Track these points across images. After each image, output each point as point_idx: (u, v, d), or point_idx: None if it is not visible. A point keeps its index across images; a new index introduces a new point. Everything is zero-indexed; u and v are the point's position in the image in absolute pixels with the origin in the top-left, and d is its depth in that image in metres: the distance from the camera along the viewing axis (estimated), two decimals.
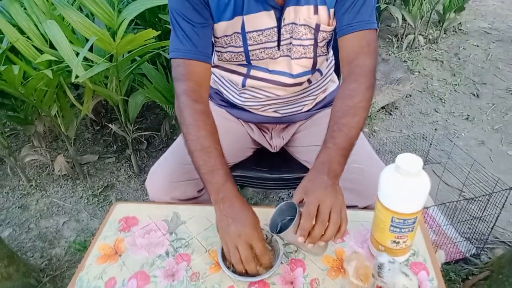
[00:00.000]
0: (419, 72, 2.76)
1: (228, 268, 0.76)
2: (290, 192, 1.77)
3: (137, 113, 1.69)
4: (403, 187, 0.65)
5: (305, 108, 1.08)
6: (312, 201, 0.69)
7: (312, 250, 0.72)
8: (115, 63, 1.39)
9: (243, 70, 0.97)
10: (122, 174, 1.86)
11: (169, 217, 0.92)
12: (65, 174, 1.84)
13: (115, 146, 2.00)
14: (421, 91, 2.52)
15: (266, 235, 0.81)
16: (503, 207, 1.27)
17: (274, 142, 1.11)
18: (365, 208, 0.94)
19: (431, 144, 1.72)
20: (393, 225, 0.70)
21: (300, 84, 0.98)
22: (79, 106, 1.54)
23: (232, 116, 1.10)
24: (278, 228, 0.75)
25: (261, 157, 1.16)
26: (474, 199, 1.32)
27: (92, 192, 1.76)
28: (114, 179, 1.83)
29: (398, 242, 0.73)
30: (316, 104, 1.09)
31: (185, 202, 0.99)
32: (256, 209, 0.80)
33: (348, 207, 0.94)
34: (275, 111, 1.05)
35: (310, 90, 1.04)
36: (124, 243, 0.86)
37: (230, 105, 1.09)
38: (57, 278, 1.38)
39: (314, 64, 0.95)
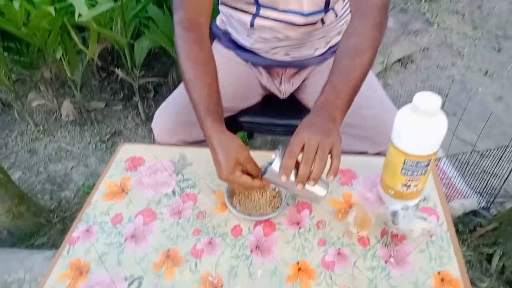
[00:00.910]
0: (438, 24, 2.61)
1: (234, 207, 0.76)
2: None
3: (144, 60, 1.64)
4: (419, 126, 0.62)
5: (318, 52, 1.02)
6: (296, 140, 0.64)
7: (304, 193, 0.68)
8: (119, 3, 1.33)
9: (252, 9, 0.91)
10: (130, 121, 1.85)
11: (175, 158, 0.91)
12: (73, 120, 1.84)
13: (122, 94, 1.98)
14: (439, 45, 2.41)
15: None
16: None
17: (284, 87, 1.07)
18: (376, 154, 0.92)
19: (446, 96, 1.66)
20: (405, 168, 0.68)
21: (313, 24, 0.92)
22: (84, 49, 1.50)
23: (241, 59, 1.05)
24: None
25: (269, 104, 1.12)
26: (489, 151, 1.28)
27: (100, 138, 1.76)
28: (122, 126, 1.82)
29: (409, 186, 0.71)
30: (330, 48, 1.04)
31: (192, 145, 0.97)
32: (258, 153, 0.79)
33: (358, 153, 0.93)
34: (285, 54, 1.00)
35: (323, 32, 0.98)
36: (131, 182, 0.86)
37: (238, 47, 1.04)
38: (66, 219, 1.42)
39: (327, 1, 0.89)
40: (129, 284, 0.68)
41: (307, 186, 0.64)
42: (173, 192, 0.83)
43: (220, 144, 0.71)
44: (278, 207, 0.77)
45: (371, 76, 1.04)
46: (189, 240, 0.74)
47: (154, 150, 0.94)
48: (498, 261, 1.20)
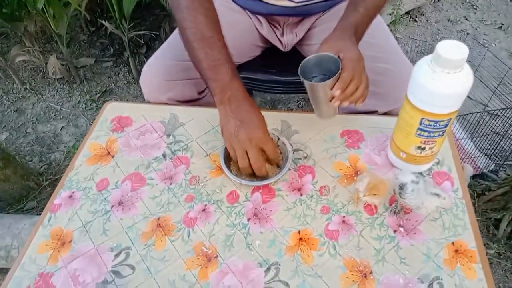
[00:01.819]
0: None
1: (230, 171, 0.69)
2: (299, 103, 1.67)
3: (135, 13, 1.52)
4: (441, 81, 0.54)
5: None
6: (352, 58, 0.64)
7: (329, 111, 0.70)
8: None
9: None
10: (121, 79, 1.75)
11: (166, 118, 0.83)
12: (61, 78, 1.73)
13: (112, 49, 1.85)
14: None
15: (274, 140, 0.73)
16: None
17: (286, 39, 0.97)
18: (385, 114, 0.84)
19: None
20: (421, 128, 0.60)
21: None
22: None
23: (238, 6, 0.94)
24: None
25: (270, 58, 1.02)
26: (502, 110, 1.20)
27: (90, 97, 1.67)
28: (113, 84, 1.72)
29: (423, 148, 0.64)
30: None
31: (183, 104, 0.89)
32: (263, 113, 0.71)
33: (366, 112, 0.84)
34: None
35: None
36: (117, 144, 0.79)
37: None
38: (57, 182, 1.36)
39: None
40: (116, 255, 0.63)
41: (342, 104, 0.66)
42: (164, 156, 0.76)
43: (254, 108, 0.68)
44: (278, 171, 0.70)
45: (384, 27, 0.94)
46: (181, 208, 0.68)
47: (143, 109, 0.86)
48: (506, 226, 1.16)
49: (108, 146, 0.79)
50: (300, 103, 1.65)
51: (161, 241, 0.64)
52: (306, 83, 0.65)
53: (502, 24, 2.03)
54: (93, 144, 0.79)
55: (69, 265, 0.62)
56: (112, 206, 0.69)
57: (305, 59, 0.67)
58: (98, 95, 1.68)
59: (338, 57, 0.64)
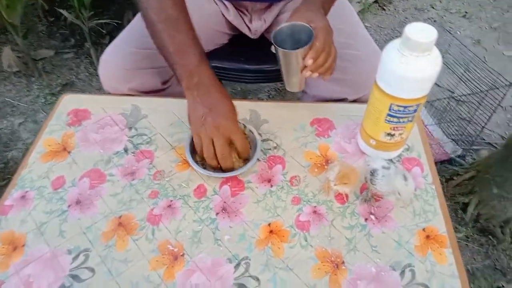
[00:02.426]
0: None
1: (197, 164, 0.66)
2: (270, 93, 1.64)
3: (96, 0, 1.43)
4: (410, 65, 0.52)
5: None
6: (323, 28, 0.63)
7: (300, 81, 0.70)
8: None
9: None
10: (83, 71, 1.66)
11: (127, 110, 0.78)
12: (18, 71, 1.63)
13: (73, 40, 1.76)
14: None
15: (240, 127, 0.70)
16: (498, 105, 1.18)
17: (254, 25, 0.93)
18: (354, 101, 0.83)
19: None
20: (391, 114, 0.59)
21: None
22: None
23: None
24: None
25: (238, 45, 0.99)
26: (468, 95, 1.22)
27: (50, 91, 1.57)
28: (74, 76, 1.63)
29: (393, 135, 0.63)
30: None
31: (146, 95, 0.84)
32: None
33: (336, 100, 0.83)
34: None
35: None
36: (74, 139, 0.74)
37: None
38: None
39: None
40: (74, 258, 0.58)
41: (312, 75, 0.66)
42: (125, 150, 0.72)
43: (224, 94, 0.65)
44: (246, 163, 0.67)
45: (353, 13, 0.92)
46: (145, 204, 0.64)
47: (102, 101, 0.80)
48: (473, 209, 1.19)
49: (64, 141, 0.73)
50: (270, 93, 1.63)
51: (123, 241, 0.60)
52: (280, 51, 0.64)
53: (466, 12, 2.08)
54: (48, 140, 0.73)
55: (21, 271, 0.57)
56: (69, 205, 0.64)
57: (277, 28, 0.65)
58: (58, 88, 1.59)
59: (311, 26, 0.63)
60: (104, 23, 1.64)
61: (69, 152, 0.72)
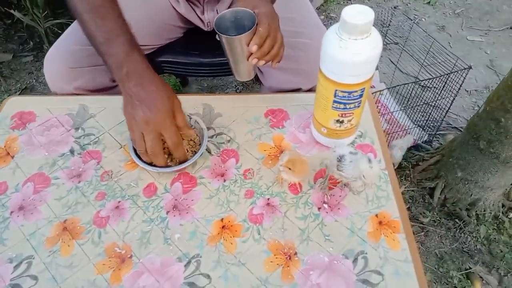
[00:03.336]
0: None
1: (141, 160, 0.63)
2: (237, 88, 1.62)
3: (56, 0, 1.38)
4: (349, 49, 0.51)
5: None
6: (267, 14, 0.62)
7: (248, 70, 0.68)
8: None
9: None
10: (43, 74, 1.59)
11: (74, 110, 0.76)
12: None
13: (32, 43, 1.69)
14: None
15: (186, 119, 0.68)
16: (460, 87, 1.19)
17: (207, 17, 0.91)
18: (309, 90, 0.82)
19: (389, 25, 1.57)
20: (337, 101, 0.58)
21: None
22: None
23: None
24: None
25: (192, 39, 0.96)
26: (431, 79, 1.23)
27: (9, 96, 1.51)
28: (34, 80, 1.57)
29: (342, 122, 0.62)
30: None
31: (95, 93, 0.81)
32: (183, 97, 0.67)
33: (292, 90, 0.82)
34: None
35: None
36: (18, 143, 0.71)
37: None
38: None
39: None
40: (15, 266, 0.56)
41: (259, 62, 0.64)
42: (71, 151, 0.69)
43: (157, 85, 0.61)
44: (193, 155, 0.65)
45: (305, 2, 0.91)
46: (91, 207, 0.62)
47: (48, 102, 0.77)
48: (440, 194, 1.20)
49: (7, 146, 0.70)
50: (238, 88, 1.61)
51: (68, 245, 0.58)
52: (223, 37, 0.62)
53: None
54: None
55: None
56: (12, 212, 0.61)
57: (219, 14, 0.64)
58: (17, 93, 1.53)
59: (254, 12, 0.62)
60: (63, 23, 1.59)
61: (12, 157, 0.68)
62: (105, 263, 0.56)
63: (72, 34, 0.80)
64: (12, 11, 1.41)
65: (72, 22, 0.83)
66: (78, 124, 0.73)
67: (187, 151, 0.65)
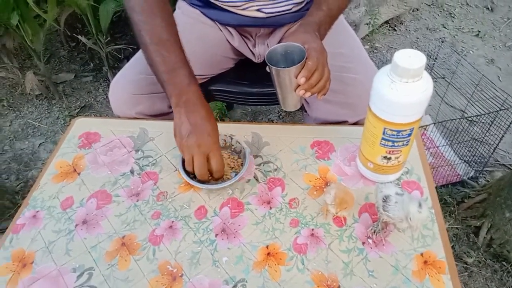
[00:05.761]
0: None
1: (190, 177, 0.70)
2: (280, 114, 1.66)
3: (113, 26, 1.51)
4: (400, 90, 0.54)
5: (295, 8, 0.91)
6: (316, 49, 0.65)
7: (295, 101, 0.71)
8: None
9: None
10: (101, 93, 1.73)
11: (135, 133, 0.82)
12: (40, 94, 1.71)
13: (92, 64, 1.84)
14: (429, 5, 2.28)
15: (228, 142, 0.77)
16: (509, 126, 1.16)
17: (258, 50, 0.97)
18: (355, 124, 0.84)
19: (435, 59, 1.56)
20: (385, 138, 0.60)
21: None
22: (41, 14, 1.36)
23: (208, 19, 0.94)
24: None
25: (243, 69, 1.02)
26: (479, 116, 1.21)
27: (69, 113, 1.65)
28: (92, 99, 1.70)
29: (389, 158, 0.63)
30: (307, 3, 0.93)
31: (154, 118, 0.88)
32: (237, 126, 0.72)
33: (337, 122, 0.84)
34: (258, 10, 0.88)
35: None
36: (84, 161, 0.77)
37: (205, 4, 0.92)
38: None
39: None
40: (78, 276, 0.61)
41: (305, 94, 0.67)
42: (132, 171, 0.75)
43: (209, 115, 0.68)
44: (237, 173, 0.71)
45: (354, 37, 0.94)
46: (147, 225, 0.66)
47: (112, 124, 0.84)
48: (486, 233, 1.16)
49: (74, 163, 0.77)
50: (281, 114, 1.65)
51: (125, 260, 0.62)
52: (273, 69, 0.66)
53: (479, 31, 2.07)
54: (59, 162, 0.77)
55: (29, 287, 0.59)
56: (76, 225, 0.67)
57: (271, 48, 0.68)
58: (77, 110, 1.66)
59: (303, 47, 0.66)
60: (121, 48, 1.72)
61: (79, 174, 0.75)
62: (158, 280, 0.60)
63: (136, 64, 0.88)
64: (79, 36, 1.55)
65: (130, 48, 0.92)
66: (138, 146, 0.79)
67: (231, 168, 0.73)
